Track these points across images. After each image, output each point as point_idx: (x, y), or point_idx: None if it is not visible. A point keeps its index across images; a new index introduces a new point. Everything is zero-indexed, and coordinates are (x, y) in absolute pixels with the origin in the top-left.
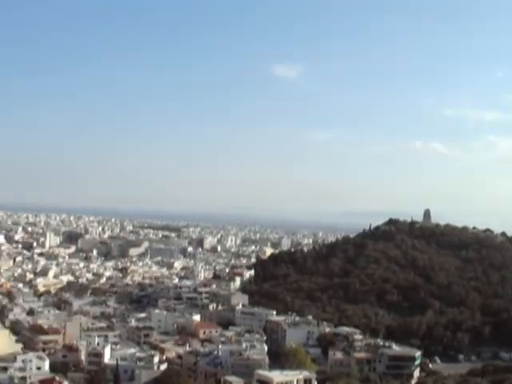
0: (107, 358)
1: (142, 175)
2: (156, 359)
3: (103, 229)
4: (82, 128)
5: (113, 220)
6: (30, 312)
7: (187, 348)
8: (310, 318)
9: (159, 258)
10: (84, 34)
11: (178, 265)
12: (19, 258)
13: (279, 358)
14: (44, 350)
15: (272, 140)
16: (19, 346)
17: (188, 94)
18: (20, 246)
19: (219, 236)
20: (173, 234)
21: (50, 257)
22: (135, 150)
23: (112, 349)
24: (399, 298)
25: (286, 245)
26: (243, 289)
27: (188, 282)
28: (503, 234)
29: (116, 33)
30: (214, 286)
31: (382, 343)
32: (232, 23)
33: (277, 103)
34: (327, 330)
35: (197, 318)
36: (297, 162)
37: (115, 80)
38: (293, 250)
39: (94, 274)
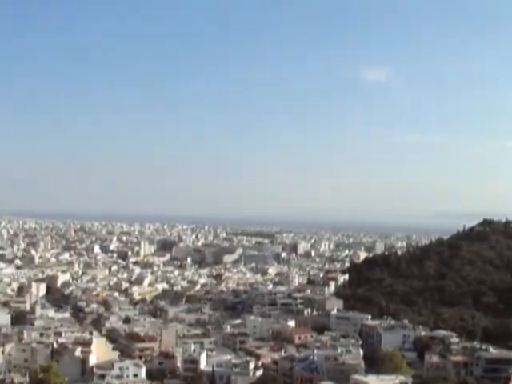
0: (203, 364)
1: (234, 182)
2: (252, 365)
3: (197, 236)
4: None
5: (206, 227)
6: (126, 320)
7: (282, 353)
8: (405, 321)
9: (253, 265)
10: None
11: (272, 271)
12: (114, 267)
13: (375, 362)
14: (140, 357)
15: (361, 142)
16: (116, 354)
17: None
18: (115, 255)
19: (313, 241)
20: (266, 240)
21: (145, 265)
22: (226, 158)
23: (208, 355)
24: (495, 299)
25: (379, 248)
26: (338, 293)
27: (282, 288)
28: None
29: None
30: (309, 291)
31: (478, 346)
32: (319, 28)
33: (366, 106)
34: (423, 333)
35: (292, 323)
36: (387, 165)
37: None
38: (387, 253)
39: (188, 282)
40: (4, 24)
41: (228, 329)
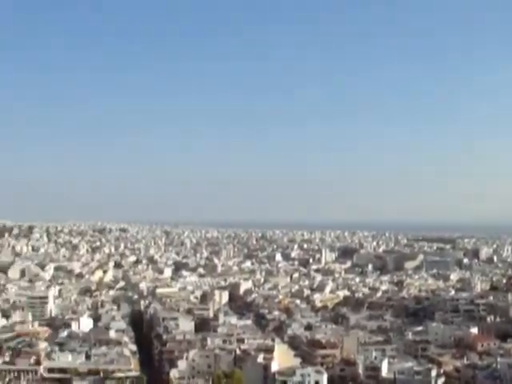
0: (384, 371)
1: (414, 188)
2: (433, 373)
3: (378, 243)
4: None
5: (387, 234)
6: (308, 327)
7: (465, 361)
8: None
9: (434, 271)
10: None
11: (453, 277)
12: (296, 275)
13: None
14: (322, 364)
15: None
16: (298, 361)
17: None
18: (296, 262)
19: (495, 246)
20: (447, 246)
21: (326, 272)
22: (403, 163)
23: (389, 363)
24: None
25: None
26: None
27: (464, 294)
28: None
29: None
30: (491, 298)
31: None
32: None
33: None
34: None
35: (474, 330)
36: None
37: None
38: None
39: (369, 288)
40: None
41: (410, 336)
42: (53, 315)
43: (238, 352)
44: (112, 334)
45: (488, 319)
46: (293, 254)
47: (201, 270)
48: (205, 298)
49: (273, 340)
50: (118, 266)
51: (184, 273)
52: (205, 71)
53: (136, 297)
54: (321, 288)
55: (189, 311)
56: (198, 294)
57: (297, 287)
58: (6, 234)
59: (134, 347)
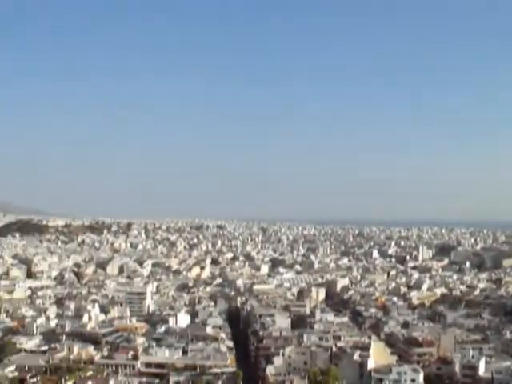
0: (482, 371)
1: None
2: None
3: (475, 240)
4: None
5: (485, 231)
6: (405, 325)
7: None
8: None
9: None
10: None
11: None
12: (393, 272)
13: None
14: (418, 362)
15: None
16: (394, 358)
17: None
18: (393, 259)
19: None
20: None
21: (423, 270)
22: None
23: (487, 362)
24: None
25: None
26: None
27: None
28: None
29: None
30: None
31: None
32: None
33: None
34: None
35: None
36: None
37: None
38: None
39: (467, 286)
40: None
41: (508, 335)
42: (150, 311)
43: (334, 349)
44: (209, 330)
45: None
46: (390, 251)
47: (297, 267)
48: (301, 294)
49: (369, 337)
50: (215, 262)
51: (281, 269)
52: None
53: (233, 293)
54: (418, 285)
55: (285, 308)
56: (295, 290)
57: (393, 284)
58: (105, 231)
59: (230, 343)
